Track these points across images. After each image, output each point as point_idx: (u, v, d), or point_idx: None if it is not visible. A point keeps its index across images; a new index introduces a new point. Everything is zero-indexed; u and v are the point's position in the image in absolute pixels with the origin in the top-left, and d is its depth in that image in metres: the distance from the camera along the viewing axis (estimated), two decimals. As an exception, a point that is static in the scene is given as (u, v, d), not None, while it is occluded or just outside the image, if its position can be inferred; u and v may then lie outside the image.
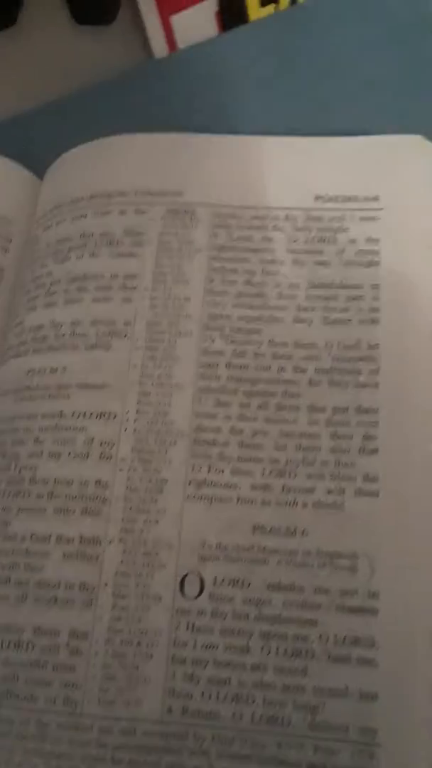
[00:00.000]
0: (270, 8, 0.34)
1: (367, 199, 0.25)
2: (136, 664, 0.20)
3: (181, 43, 0.35)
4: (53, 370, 0.23)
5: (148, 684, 0.19)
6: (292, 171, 0.25)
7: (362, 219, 0.24)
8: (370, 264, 0.24)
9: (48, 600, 0.20)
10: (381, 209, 0.24)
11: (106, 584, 0.20)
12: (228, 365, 0.23)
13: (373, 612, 0.19)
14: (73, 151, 0.27)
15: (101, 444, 0.22)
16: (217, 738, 0.19)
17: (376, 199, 0.25)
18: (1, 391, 0.23)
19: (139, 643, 0.20)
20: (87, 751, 0.19)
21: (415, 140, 0.25)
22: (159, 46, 0.34)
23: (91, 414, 0.22)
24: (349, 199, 0.25)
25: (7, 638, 0.20)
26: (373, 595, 0.20)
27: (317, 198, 0.25)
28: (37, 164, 0.28)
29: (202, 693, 0.19)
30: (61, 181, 0.26)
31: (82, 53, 0.35)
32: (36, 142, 0.29)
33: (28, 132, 0.30)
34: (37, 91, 0.36)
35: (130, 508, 0.21)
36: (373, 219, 0.24)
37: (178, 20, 0.34)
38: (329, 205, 0.25)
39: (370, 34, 0.29)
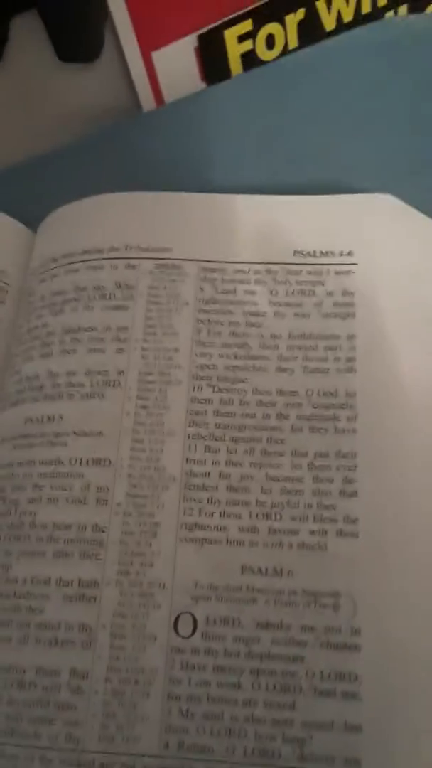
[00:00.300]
0: (248, 43, 0.35)
1: (342, 254, 0.26)
2: (135, 702, 0.21)
3: (163, 78, 0.36)
4: (50, 419, 0.24)
5: (146, 720, 0.21)
6: (272, 228, 0.27)
7: (338, 273, 0.26)
8: (347, 316, 0.25)
9: (49, 641, 0.21)
10: (355, 264, 0.26)
11: (104, 625, 0.21)
12: (216, 413, 0.24)
13: (356, 648, 0.21)
14: (66, 207, 0.28)
15: (97, 489, 0.23)
16: (212, 771, 0.20)
17: (350, 254, 0.26)
18: (0, 439, 0.25)
19: (136, 682, 0.21)
20: (88, 786, 0.20)
21: (386, 199, 0.27)
22: (141, 82, 0.36)
23: (88, 461, 0.23)
24: (325, 254, 0.26)
25: (10, 678, 0.21)
26: (356, 632, 0.21)
27: (296, 253, 0.27)
28: (28, 217, 0.29)
29: (197, 728, 0.20)
30: (54, 236, 0.28)
31: (67, 89, 0.37)
32: (26, 195, 0.30)
33: (18, 186, 0.31)
34: (23, 128, 0.37)
35: (126, 552, 0.22)
36: (348, 273, 0.26)
37: (158, 56, 0.35)
38: (307, 260, 0.26)
39: (341, 89, 0.31)
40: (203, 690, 0.21)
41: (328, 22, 0.37)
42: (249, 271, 0.26)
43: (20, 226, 0.29)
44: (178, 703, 0.21)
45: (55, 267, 0.27)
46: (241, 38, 0.36)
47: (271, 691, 0.21)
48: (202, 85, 0.37)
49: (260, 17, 0.35)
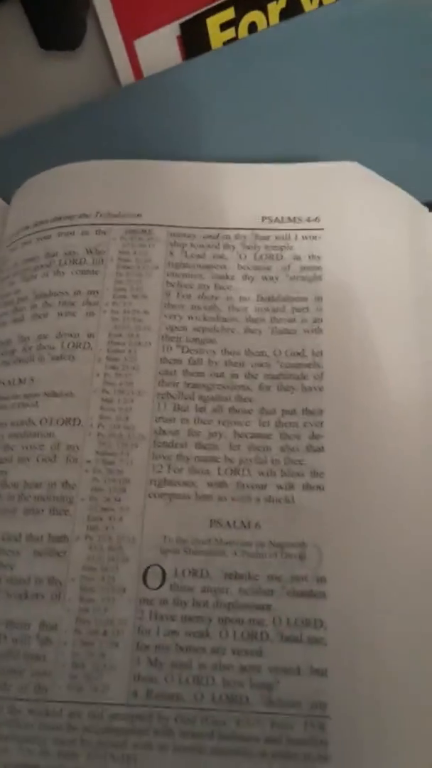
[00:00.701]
0: (230, 32, 0.36)
1: (309, 219, 0.27)
2: (103, 652, 0.21)
3: (145, 66, 0.36)
4: (21, 381, 0.24)
5: (115, 670, 0.21)
6: (240, 194, 0.27)
7: (305, 238, 0.26)
8: (314, 279, 0.26)
9: (19, 595, 0.22)
10: (322, 229, 0.27)
11: (73, 579, 0.22)
12: (185, 372, 0.24)
13: (322, 596, 0.21)
14: (38, 176, 0.28)
15: (67, 448, 0.23)
16: (180, 718, 0.20)
17: (317, 219, 0.27)
18: (-28, 402, 0.25)
19: (105, 633, 0.21)
20: (57, 734, 0.20)
21: (352, 166, 0.28)
22: (124, 70, 0.36)
23: (58, 420, 0.24)
24: (292, 219, 0.27)
25: (-20, 632, 0.21)
26: (321, 580, 0.21)
27: (264, 219, 0.27)
28: (5, 189, 0.30)
29: (166, 677, 0.21)
30: (26, 205, 0.28)
31: (49, 78, 0.37)
32: (4, 168, 0.31)
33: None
34: (4, 114, 0.37)
35: (95, 507, 0.22)
36: (314, 238, 0.26)
37: (141, 44, 0.35)
38: (275, 225, 0.27)
39: (313, 64, 0.32)
40: (171, 639, 0.21)
41: (310, 10, 0.38)
42: (218, 236, 0.27)
43: (-5, 198, 0.29)
44: (147, 653, 0.21)
45: (28, 234, 0.27)
46: (224, 26, 0.36)
47: (238, 639, 0.21)
48: (185, 73, 0.37)
49: (242, 5, 0.36)
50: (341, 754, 0.20)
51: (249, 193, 0.27)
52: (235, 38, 0.37)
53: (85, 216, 0.27)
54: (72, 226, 0.27)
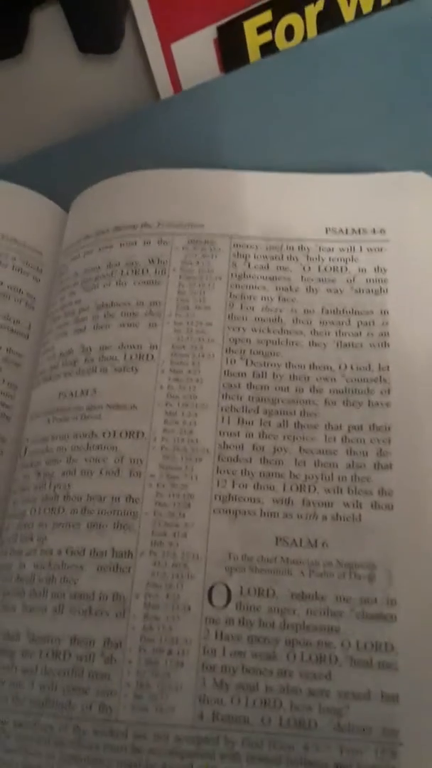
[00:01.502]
0: (267, 35, 0.35)
1: (374, 231, 0.26)
2: (168, 672, 0.21)
3: (182, 70, 0.36)
4: (84, 392, 0.24)
5: (180, 691, 0.20)
6: (304, 205, 0.27)
7: (370, 250, 0.26)
8: (379, 292, 0.25)
9: (83, 611, 0.21)
10: (387, 241, 0.26)
11: (137, 595, 0.21)
12: (249, 386, 0.24)
13: (392, 618, 0.21)
14: (98, 185, 0.28)
15: (131, 461, 0.23)
16: (247, 742, 0.20)
17: (382, 231, 0.26)
18: (34, 414, 0.25)
19: (170, 652, 0.21)
20: (122, 756, 0.20)
21: (419, 177, 0.27)
22: (161, 74, 0.36)
23: (121, 433, 0.23)
24: (357, 231, 0.26)
25: (45, 648, 0.21)
26: (391, 602, 0.21)
27: (328, 230, 0.26)
28: (60, 197, 0.30)
29: (232, 699, 0.20)
30: (86, 214, 0.28)
31: (88, 81, 0.37)
32: (57, 176, 0.31)
33: (49, 167, 0.32)
34: (45, 118, 0.37)
35: (160, 522, 0.22)
36: (380, 250, 0.26)
37: (178, 48, 0.35)
38: (339, 237, 0.26)
39: (374, 72, 0.31)
40: (238, 660, 0.21)
41: (348, 13, 0.37)
42: (281, 247, 0.26)
43: (54, 205, 0.29)
44: (213, 674, 0.20)
45: (88, 244, 0.27)
46: (260, 29, 0.36)
47: (306, 661, 0.20)
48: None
49: (279, 8, 0.35)
50: (415, 785, 0.19)
51: (313, 204, 0.27)
52: (272, 41, 0.37)
53: (147, 226, 0.27)
54: (134, 235, 0.26)
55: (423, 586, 0.21)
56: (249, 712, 0.20)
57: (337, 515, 0.22)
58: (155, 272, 0.26)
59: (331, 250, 0.26)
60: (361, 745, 0.20)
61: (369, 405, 0.23)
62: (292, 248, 0.26)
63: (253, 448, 0.23)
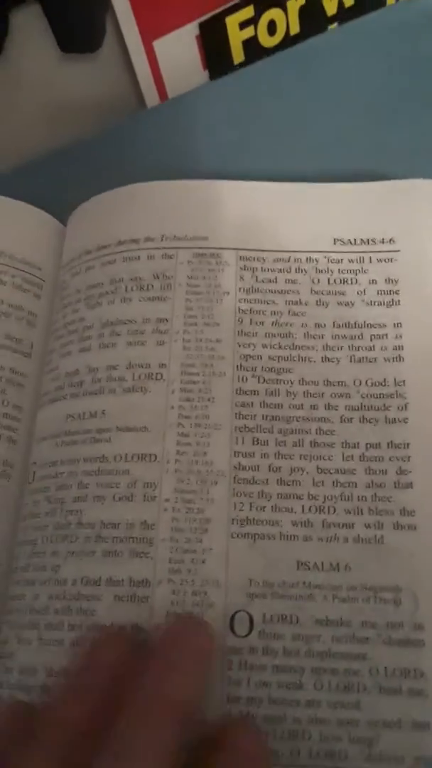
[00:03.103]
0: (249, 30, 0.35)
1: (383, 241, 0.26)
2: (193, 705, 0.20)
3: (165, 67, 0.36)
4: (92, 414, 0.23)
5: (206, 724, 0.20)
6: (310, 216, 0.26)
7: (380, 261, 0.25)
8: (392, 303, 0.25)
9: (102, 644, 0.20)
10: (398, 251, 0.25)
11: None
12: (262, 404, 0.23)
13: (420, 644, 0.20)
14: (96, 198, 0.27)
15: (144, 485, 0.22)
16: (276, 775, 0.19)
17: (392, 241, 0.26)
18: (41, 437, 0.24)
19: (194, 684, 0.20)
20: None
21: (428, 184, 0.26)
22: (143, 71, 0.36)
23: (133, 456, 0.23)
24: (366, 242, 0.26)
25: (63, 684, 0.20)
26: (419, 627, 0.20)
27: (336, 241, 0.26)
28: (53, 209, 0.29)
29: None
30: (86, 228, 0.27)
31: (70, 80, 0.36)
32: (47, 187, 0.30)
33: (39, 178, 0.31)
34: (28, 118, 0.36)
35: (177, 549, 0.21)
36: (390, 260, 0.25)
37: (160, 45, 0.35)
38: (347, 248, 0.26)
39: (369, 74, 0.31)
40: (263, 691, 0.20)
41: (330, 7, 0.37)
42: (289, 259, 0.26)
43: (51, 218, 0.28)
44: (239, 706, 0.20)
45: (90, 259, 0.26)
46: (243, 25, 0.36)
47: (334, 690, 0.20)
48: (204, 73, 0.36)
49: (261, 3, 0.35)
50: None
51: (319, 214, 0.26)
52: (254, 36, 0.36)
53: (150, 239, 0.26)
54: (137, 250, 0.26)
55: (450, 609, 0.20)
56: (277, 744, 0.20)
57: (358, 537, 0.21)
58: (161, 288, 0.25)
59: (340, 261, 0.26)
60: (393, 774, 0.19)
61: (386, 421, 0.23)
62: (300, 260, 0.26)
63: (270, 469, 0.22)
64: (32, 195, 0.29)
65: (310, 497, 0.22)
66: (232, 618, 0.21)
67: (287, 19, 0.36)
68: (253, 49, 0.36)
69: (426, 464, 0.22)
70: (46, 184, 0.30)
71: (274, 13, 0.36)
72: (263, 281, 0.25)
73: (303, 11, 0.36)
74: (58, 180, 0.31)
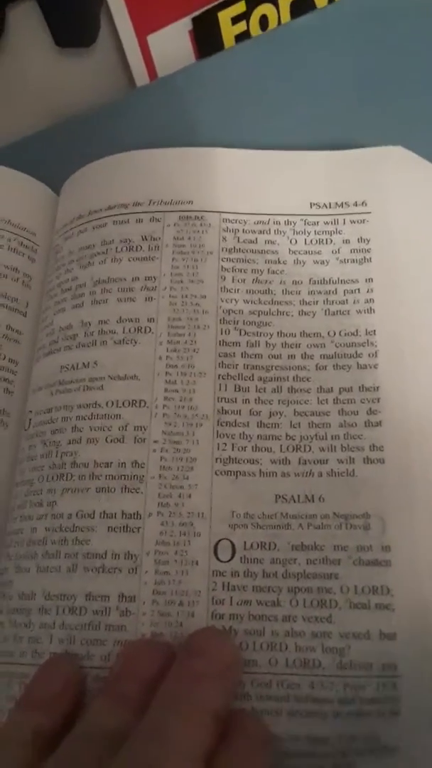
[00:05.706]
0: (242, 25, 0.36)
1: (356, 204, 0.28)
2: (180, 622, 0.22)
3: (158, 61, 0.37)
4: (86, 365, 0.25)
5: (192, 639, 0.22)
6: (288, 181, 0.28)
7: (353, 222, 0.27)
8: (363, 261, 0.26)
9: (96, 569, 0.22)
10: (369, 213, 0.27)
11: (148, 553, 0.23)
12: (243, 354, 0.25)
13: (387, 563, 0.22)
14: (88, 166, 0.29)
15: (135, 428, 0.24)
16: (256, 682, 0.21)
17: (364, 204, 0.28)
18: (37, 387, 0.26)
19: (181, 603, 0.22)
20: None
21: (396, 150, 0.28)
22: (137, 66, 0.37)
23: (124, 402, 0.24)
24: (340, 205, 0.28)
25: (62, 605, 0.22)
26: (386, 548, 0.22)
27: (312, 205, 0.28)
28: (47, 181, 0.30)
29: (240, 644, 0.22)
30: (78, 195, 0.29)
31: (65, 75, 0.37)
32: (43, 161, 0.31)
33: (34, 152, 0.32)
34: (23, 112, 0.38)
35: (165, 485, 0.23)
36: (362, 222, 0.27)
37: (154, 39, 0.36)
38: (323, 210, 0.28)
39: (347, 54, 0.33)
40: (244, 608, 0.22)
41: (320, 1, 0.38)
42: (269, 221, 0.27)
43: (45, 188, 0.30)
44: (221, 622, 0.22)
45: (82, 223, 0.28)
46: (235, 20, 0.37)
47: (308, 606, 0.22)
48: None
49: None
50: (411, 707, 0.21)
51: (297, 180, 0.28)
52: (247, 31, 0.37)
53: (138, 204, 0.28)
54: (126, 214, 0.27)
55: (415, 532, 0.22)
56: (257, 655, 0.21)
57: (332, 471, 0.23)
58: (149, 248, 0.27)
59: (316, 223, 0.27)
60: (362, 680, 0.21)
61: (358, 367, 0.25)
62: (279, 222, 0.27)
63: (250, 413, 0.24)
64: (28, 168, 0.30)
65: (288, 437, 0.24)
66: (216, 546, 0.23)
67: (279, 13, 0.38)
68: (244, 43, 0.37)
69: (393, 404, 0.24)
70: (38, 158, 0.32)
71: (265, 8, 0.37)
72: (244, 242, 0.27)
73: (294, 6, 0.38)
74: (50, 154, 0.32)
